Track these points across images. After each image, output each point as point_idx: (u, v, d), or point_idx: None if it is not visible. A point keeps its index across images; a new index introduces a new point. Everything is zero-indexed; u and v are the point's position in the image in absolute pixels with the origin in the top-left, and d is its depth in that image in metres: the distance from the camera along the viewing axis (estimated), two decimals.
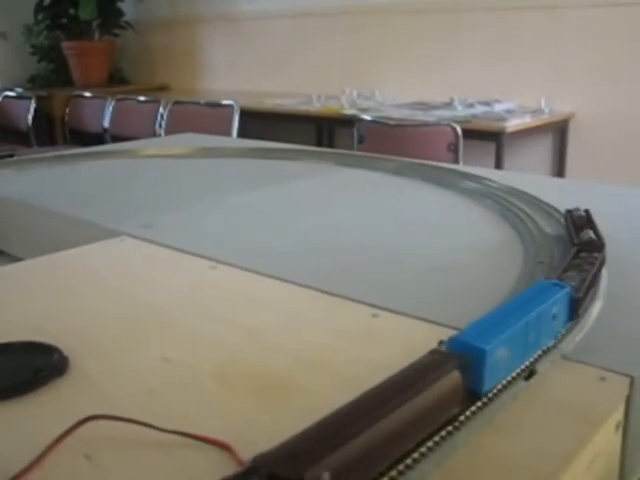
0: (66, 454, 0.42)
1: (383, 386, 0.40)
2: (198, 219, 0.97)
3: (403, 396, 0.38)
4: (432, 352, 0.44)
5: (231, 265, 0.76)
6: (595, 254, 0.67)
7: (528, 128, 2.67)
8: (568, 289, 0.54)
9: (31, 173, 1.30)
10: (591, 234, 0.74)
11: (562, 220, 0.88)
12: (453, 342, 0.44)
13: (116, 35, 4.52)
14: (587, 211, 0.83)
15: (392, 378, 0.40)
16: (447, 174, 1.19)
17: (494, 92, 3.02)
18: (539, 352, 0.50)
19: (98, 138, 3.48)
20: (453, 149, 2.30)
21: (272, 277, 0.72)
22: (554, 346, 0.52)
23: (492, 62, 3.09)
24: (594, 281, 0.62)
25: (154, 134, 3.25)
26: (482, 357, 0.43)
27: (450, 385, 0.41)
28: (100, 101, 3.63)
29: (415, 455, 0.38)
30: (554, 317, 0.52)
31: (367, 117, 2.50)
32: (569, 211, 0.84)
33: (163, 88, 4.46)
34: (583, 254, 0.67)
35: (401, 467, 0.37)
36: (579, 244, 0.71)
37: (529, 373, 0.49)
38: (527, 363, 0.49)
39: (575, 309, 0.56)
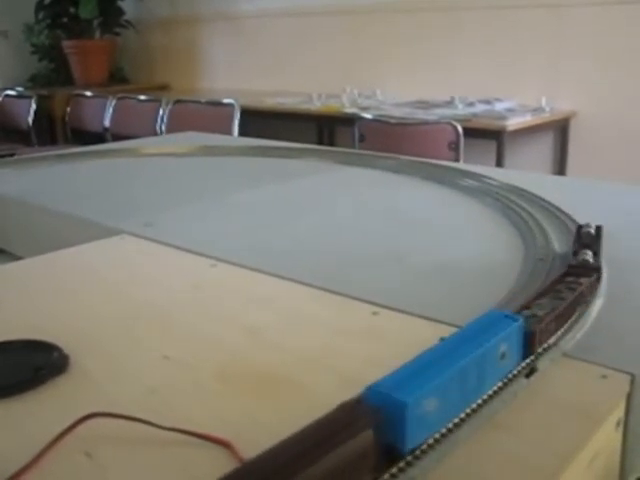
0: (66, 452, 0.42)
1: (275, 452, 0.33)
2: (198, 217, 0.97)
3: (297, 465, 0.32)
4: (343, 406, 0.37)
5: (231, 263, 0.76)
6: (582, 279, 0.61)
7: (529, 127, 2.66)
8: (521, 322, 0.47)
9: (31, 172, 1.30)
10: (588, 256, 0.67)
11: (563, 217, 0.88)
12: (370, 393, 0.38)
13: (117, 34, 4.52)
14: (598, 228, 0.78)
15: (287, 441, 0.34)
16: (448, 172, 1.19)
17: (495, 90, 3.02)
18: (484, 397, 0.44)
19: (99, 137, 3.48)
20: (454, 148, 2.30)
21: (273, 275, 0.72)
22: (554, 344, 0.52)
23: (493, 60, 3.09)
24: (571, 309, 0.56)
25: (155, 133, 3.25)
26: (402, 412, 0.36)
27: (359, 448, 0.35)
28: (101, 100, 3.63)
29: (416, 452, 0.38)
30: (503, 356, 0.45)
31: (368, 116, 2.50)
32: (580, 226, 0.78)
33: (164, 87, 4.46)
34: (570, 278, 0.61)
35: (401, 464, 0.37)
36: (569, 266, 0.65)
37: (530, 371, 0.49)
38: (467, 411, 0.43)
39: (530, 345, 0.49)
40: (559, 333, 0.54)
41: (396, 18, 3.36)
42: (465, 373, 0.42)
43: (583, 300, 0.59)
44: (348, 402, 0.38)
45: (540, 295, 0.57)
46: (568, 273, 0.62)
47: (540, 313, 0.52)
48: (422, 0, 3.24)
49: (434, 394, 0.39)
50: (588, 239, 0.74)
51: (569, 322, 0.56)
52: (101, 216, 0.95)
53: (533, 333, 0.49)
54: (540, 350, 0.50)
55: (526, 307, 0.54)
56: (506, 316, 0.48)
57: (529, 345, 0.49)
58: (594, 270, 0.64)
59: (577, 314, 0.57)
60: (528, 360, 0.49)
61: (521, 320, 0.47)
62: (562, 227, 0.84)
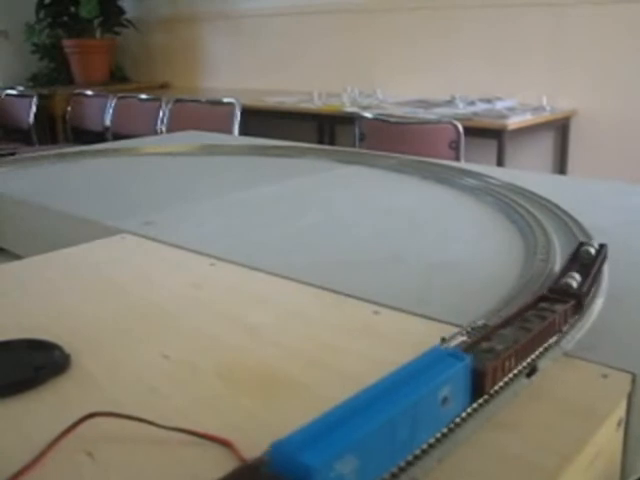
0: (68, 451, 0.42)
1: None
2: (199, 216, 0.97)
3: None
4: (241, 470, 0.33)
5: (232, 262, 0.76)
6: (557, 306, 0.54)
7: (529, 125, 2.66)
8: (467, 362, 0.41)
9: (32, 171, 1.30)
10: (573, 279, 0.59)
11: (564, 217, 0.88)
12: (274, 452, 0.32)
13: (117, 33, 4.52)
14: (602, 246, 0.68)
15: None
16: (448, 171, 1.19)
17: (495, 89, 3.02)
18: (423, 448, 0.39)
19: (100, 136, 3.48)
20: (454, 147, 2.29)
21: (273, 274, 0.72)
22: (556, 343, 0.52)
23: (493, 59, 3.09)
24: (537, 342, 0.50)
25: (155, 132, 3.25)
26: (308, 478, 0.31)
27: None
28: (101, 99, 3.64)
29: (416, 452, 0.38)
30: (444, 401, 0.39)
31: (368, 115, 2.50)
32: (581, 244, 0.69)
33: (164, 86, 4.46)
34: (544, 304, 0.54)
35: (402, 463, 0.37)
36: (549, 289, 0.57)
37: (530, 370, 0.49)
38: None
39: (480, 386, 0.43)
40: (560, 334, 0.54)
41: (397, 17, 3.36)
42: (394, 424, 0.36)
43: (554, 331, 0.52)
44: (249, 464, 0.33)
45: (505, 323, 0.51)
46: (544, 298, 0.56)
47: (499, 347, 0.46)
48: None
49: (352, 452, 0.33)
50: (586, 259, 0.66)
51: (537, 352, 0.50)
52: (101, 215, 0.95)
53: (484, 373, 0.42)
54: (538, 353, 0.49)
55: (486, 339, 0.48)
56: (450, 354, 0.41)
57: (479, 386, 0.43)
58: (573, 297, 0.56)
59: (554, 339, 0.52)
60: (477, 403, 0.43)
61: (468, 359, 0.41)
62: (564, 227, 0.84)
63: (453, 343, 0.50)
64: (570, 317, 0.55)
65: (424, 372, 0.39)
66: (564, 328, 0.54)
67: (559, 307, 0.53)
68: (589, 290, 0.60)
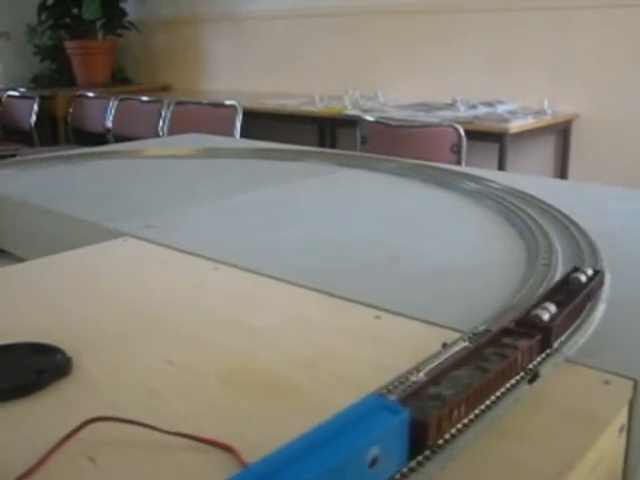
0: (70, 456, 0.42)
1: None
2: (200, 220, 0.97)
3: None
4: None
5: (233, 266, 0.76)
6: (521, 342, 0.48)
7: (531, 129, 2.66)
8: (404, 416, 0.36)
9: (33, 173, 1.30)
10: (547, 312, 0.52)
11: (566, 222, 0.88)
12: None
13: (119, 35, 4.53)
14: (596, 273, 0.62)
15: None
16: (449, 175, 1.19)
17: (497, 93, 3.02)
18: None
19: (101, 138, 3.49)
20: (456, 150, 2.29)
21: (274, 278, 0.72)
22: (557, 349, 0.52)
23: (495, 63, 3.09)
24: (494, 384, 0.44)
25: (157, 134, 3.25)
26: None
27: None
28: (103, 101, 3.64)
29: (419, 458, 0.38)
30: (374, 462, 0.34)
31: (370, 118, 2.50)
32: (574, 269, 0.62)
33: (166, 88, 4.46)
34: (507, 339, 0.48)
35: (404, 470, 0.37)
36: (516, 322, 0.51)
37: (532, 376, 0.49)
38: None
39: (420, 440, 0.37)
40: (562, 338, 0.53)
41: (398, 20, 3.36)
42: None
43: (515, 371, 0.47)
44: None
45: (460, 362, 0.45)
46: (509, 331, 0.50)
47: (447, 393, 0.41)
48: (424, 2, 3.24)
49: None
50: (577, 286, 0.59)
51: (493, 397, 0.45)
52: (102, 218, 0.95)
53: (426, 425, 0.37)
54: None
55: (434, 382, 0.42)
56: (385, 407, 0.36)
57: (420, 439, 0.37)
58: (541, 330, 0.50)
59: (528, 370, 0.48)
60: (415, 462, 0.38)
61: (405, 414, 0.36)
62: (565, 231, 0.84)
63: (455, 349, 0.50)
64: (535, 354, 0.49)
65: (351, 429, 0.34)
66: (529, 367, 0.48)
67: (523, 343, 0.48)
68: (564, 324, 0.53)
